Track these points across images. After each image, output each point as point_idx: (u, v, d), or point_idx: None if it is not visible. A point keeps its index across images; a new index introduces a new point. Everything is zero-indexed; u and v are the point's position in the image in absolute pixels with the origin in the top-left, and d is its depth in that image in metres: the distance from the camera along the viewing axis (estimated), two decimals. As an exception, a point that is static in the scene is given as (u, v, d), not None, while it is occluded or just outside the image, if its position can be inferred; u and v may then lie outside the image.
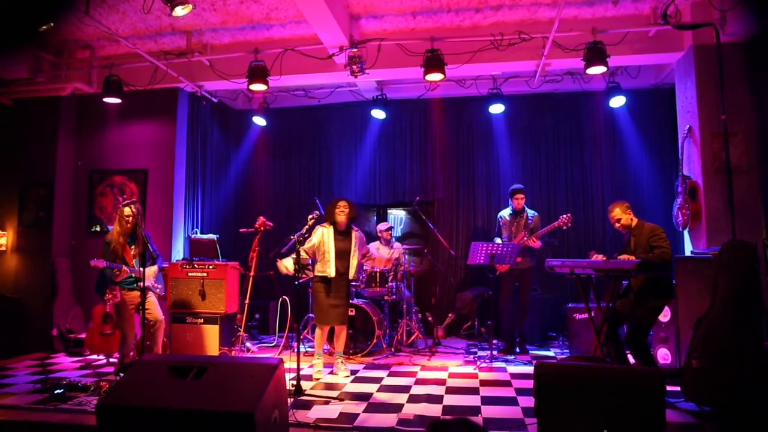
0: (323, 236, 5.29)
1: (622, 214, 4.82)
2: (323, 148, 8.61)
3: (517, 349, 6.42)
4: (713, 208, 5.77)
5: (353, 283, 6.54)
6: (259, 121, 8.01)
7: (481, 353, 6.34)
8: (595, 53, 5.69)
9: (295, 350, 5.24)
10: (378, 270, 6.48)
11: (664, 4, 5.68)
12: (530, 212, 6.56)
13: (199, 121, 7.71)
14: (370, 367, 5.75)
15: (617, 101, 7.07)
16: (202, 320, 6.12)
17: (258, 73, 6.20)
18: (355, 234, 5.41)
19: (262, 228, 6.39)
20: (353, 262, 5.32)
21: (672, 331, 5.35)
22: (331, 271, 5.21)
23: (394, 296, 6.55)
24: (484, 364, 5.74)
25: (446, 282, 7.71)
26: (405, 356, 6.18)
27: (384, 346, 6.32)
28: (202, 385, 2.80)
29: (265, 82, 6.25)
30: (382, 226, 7.24)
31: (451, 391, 4.77)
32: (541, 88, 7.45)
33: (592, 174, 7.80)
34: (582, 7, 5.97)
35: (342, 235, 5.37)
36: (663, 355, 5.42)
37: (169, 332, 6.10)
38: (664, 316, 5.39)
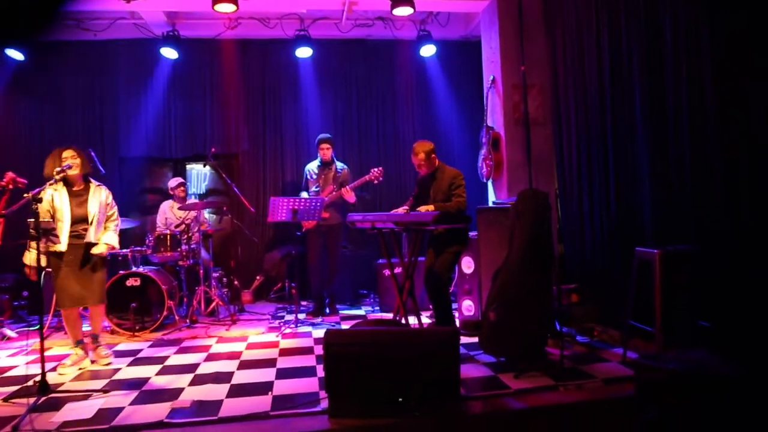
0: (53, 200, 4.17)
1: (425, 160, 4.52)
2: (106, 93, 7.25)
3: (327, 310, 6.07)
4: (514, 159, 5.85)
5: (138, 248, 5.64)
6: (15, 54, 6.48)
7: (288, 317, 5.87)
8: (402, -7, 5.34)
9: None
10: (168, 232, 5.64)
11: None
12: (339, 165, 6.13)
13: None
14: (158, 344, 4.97)
15: (428, 50, 6.94)
16: (-73, 305, 4.79)
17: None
18: (98, 191, 4.34)
19: (10, 186, 5.04)
20: (94, 225, 4.25)
21: (475, 283, 5.34)
22: (63, 243, 4.13)
23: (190, 261, 5.77)
24: (288, 330, 5.27)
25: (251, 242, 7.04)
26: (202, 328, 5.47)
27: (177, 318, 5.55)
28: None
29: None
30: (172, 182, 6.34)
31: (245, 365, 4.22)
32: (352, 33, 6.99)
33: (404, 126, 7.60)
34: (389, -58, 5.54)
35: (79, 194, 4.28)
36: (467, 307, 5.40)
37: None
38: (468, 267, 5.34)
